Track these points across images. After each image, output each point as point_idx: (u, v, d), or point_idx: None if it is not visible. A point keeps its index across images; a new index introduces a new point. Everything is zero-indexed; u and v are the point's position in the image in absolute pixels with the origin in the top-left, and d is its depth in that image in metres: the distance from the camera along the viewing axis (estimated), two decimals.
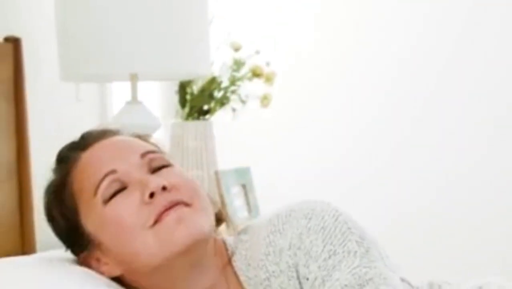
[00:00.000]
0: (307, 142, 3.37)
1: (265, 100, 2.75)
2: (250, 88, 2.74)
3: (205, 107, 2.71)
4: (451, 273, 2.16)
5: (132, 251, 1.18)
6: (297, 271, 1.19)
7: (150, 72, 2.27)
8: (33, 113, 2.09)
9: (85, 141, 1.27)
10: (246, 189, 2.61)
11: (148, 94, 2.63)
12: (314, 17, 3.35)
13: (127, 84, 2.48)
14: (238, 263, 1.25)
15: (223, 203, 2.48)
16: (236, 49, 2.73)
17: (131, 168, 1.20)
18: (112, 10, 2.06)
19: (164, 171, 1.22)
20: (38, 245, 1.97)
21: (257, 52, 2.75)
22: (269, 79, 2.74)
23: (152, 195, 1.17)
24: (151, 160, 1.23)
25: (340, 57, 3.35)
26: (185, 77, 2.48)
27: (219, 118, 2.73)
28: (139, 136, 1.31)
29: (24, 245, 1.96)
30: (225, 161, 2.72)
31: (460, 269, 2.76)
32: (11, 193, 1.94)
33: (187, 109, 2.71)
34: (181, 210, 1.17)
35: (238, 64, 2.72)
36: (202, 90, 2.68)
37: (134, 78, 2.23)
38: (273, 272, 1.20)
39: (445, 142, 3.30)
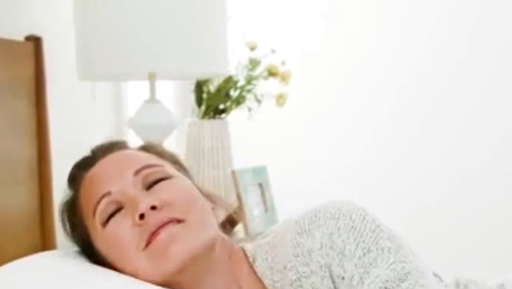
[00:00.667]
0: (322, 141, 3.37)
1: (280, 99, 2.75)
2: (266, 87, 2.74)
3: (221, 106, 2.72)
4: (463, 272, 2.15)
5: (132, 272, 1.19)
6: (330, 271, 1.18)
7: (168, 71, 2.27)
8: (51, 113, 2.09)
9: (90, 159, 1.27)
10: (262, 188, 2.61)
11: (163, 93, 2.64)
12: (329, 17, 3.35)
13: (142, 83, 2.48)
14: (261, 268, 1.24)
15: (240, 202, 2.48)
16: (252, 49, 2.73)
17: (125, 186, 1.20)
18: (130, 9, 2.07)
19: (159, 185, 1.21)
20: (58, 243, 1.98)
21: (273, 51, 2.75)
22: (284, 78, 2.74)
23: (142, 216, 1.16)
24: (146, 176, 1.22)
25: (355, 57, 3.35)
26: (203, 76, 2.48)
27: (235, 118, 2.73)
28: (145, 147, 1.30)
29: (44, 243, 1.97)
30: (241, 160, 2.72)
31: (472, 267, 2.77)
32: (32, 192, 1.95)
33: (203, 108, 2.71)
34: (171, 228, 1.16)
35: (254, 64, 2.72)
36: (218, 90, 2.68)
37: (152, 77, 2.24)
38: (304, 272, 1.20)
39: (457, 142, 3.30)
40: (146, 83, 2.37)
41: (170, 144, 2.65)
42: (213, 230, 1.22)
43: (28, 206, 1.93)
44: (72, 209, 1.25)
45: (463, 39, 3.28)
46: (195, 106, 2.72)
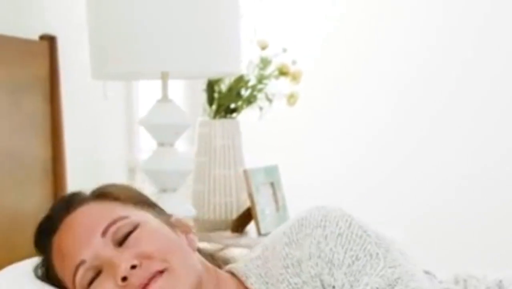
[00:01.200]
0: (333, 140, 3.37)
1: (291, 98, 2.74)
2: (277, 86, 2.74)
3: (232, 105, 2.71)
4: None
5: None
6: (321, 280, 1.18)
7: (181, 71, 2.26)
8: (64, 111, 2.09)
9: (52, 224, 1.24)
10: (274, 187, 2.60)
11: (173, 92, 2.63)
12: (340, 16, 3.36)
13: (153, 83, 2.48)
14: (256, 285, 1.23)
15: (252, 201, 2.48)
16: (263, 48, 2.72)
17: (97, 250, 1.18)
18: (143, 9, 2.06)
19: (130, 239, 1.19)
20: None
21: (284, 51, 2.75)
22: (295, 77, 2.73)
23: (125, 278, 1.14)
24: (114, 233, 1.19)
25: (365, 56, 3.35)
26: (215, 75, 2.48)
27: (246, 117, 2.73)
28: (102, 195, 1.26)
29: None
30: (252, 159, 2.72)
31: (477, 268, 2.76)
32: (46, 191, 1.94)
33: (214, 108, 2.70)
34: (157, 283, 1.14)
35: (265, 63, 2.72)
36: (230, 89, 2.68)
37: (165, 76, 2.23)
38: (296, 284, 1.19)
39: (462, 143, 3.31)
40: (155, 82, 2.37)
41: (181, 143, 2.66)
42: (197, 266, 1.20)
43: (42, 206, 1.92)
44: (50, 273, 1.24)
45: (470, 39, 3.28)
46: (206, 105, 2.72)
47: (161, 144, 2.26)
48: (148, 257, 1.16)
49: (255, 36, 2.74)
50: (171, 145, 2.26)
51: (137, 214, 1.23)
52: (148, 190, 2.12)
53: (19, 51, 1.88)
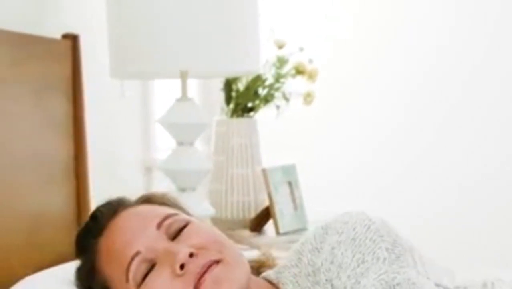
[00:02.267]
0: (349, 139, 3.37)
1: (308, 97, 2.74)
2: (294, 85, 2.73)
3: (250, 104, 2.70)
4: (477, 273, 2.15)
5: None
6: (332, 286, 1.17)
7: (200, 70, 2.26)
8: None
9: (98, 225, 1.24)
10: (292, 186, 2.60)
11: (189, 91, 2.62)
12: (355, 16, 3.35)
13: (169, 82, 2.47)
14: None
15: (271, 200, 2.47)
16: (280, 47, 2.71)
17: (152, 242, 1.18)
18: (162, 8, 2.06)
19: (184, 233, 1.20)
20: None
21: (301, 49, 2.74)
22: (312, 76, 2.73)
23: (183, 266, 1.14)
24: (168, 227, 1.20)
25: (381, 55, 3.35)
26: (234, 74, 2.47)
27: (263, 116, 2.72)
28: (147, 200, 1.29)
29: None
30: (269, 158, 2.71)
31: (486, 269, 2.76)
32: (68, 191, 1.94)
33: (231, 107, 2.69)
34: (214, 271, 1.14)
35: (282, 62, 2.71)
36: (247, 88, 2.67)
37: (184, 75, 2.23)
38: None
39: (475, 145, 3.31)
40: (172, 81, 2.36)
41: (198, 142, 2.65)
42: (247, 265, 1.21)
43: (64, 207, 1.92)
44: (92, 278, 1.23)
45: (481, 42, 3.28)
46: (223, 104, 2.71)
47: (180, 143, 2.25)
48: (203, 247, 1.17)
49: (272, 35, 2.73)
50: (191, 144, 2.25)
51: (184, 215, 1.25)
52: (165, 189, 2.12)
53: (42, 50, 1.87)
